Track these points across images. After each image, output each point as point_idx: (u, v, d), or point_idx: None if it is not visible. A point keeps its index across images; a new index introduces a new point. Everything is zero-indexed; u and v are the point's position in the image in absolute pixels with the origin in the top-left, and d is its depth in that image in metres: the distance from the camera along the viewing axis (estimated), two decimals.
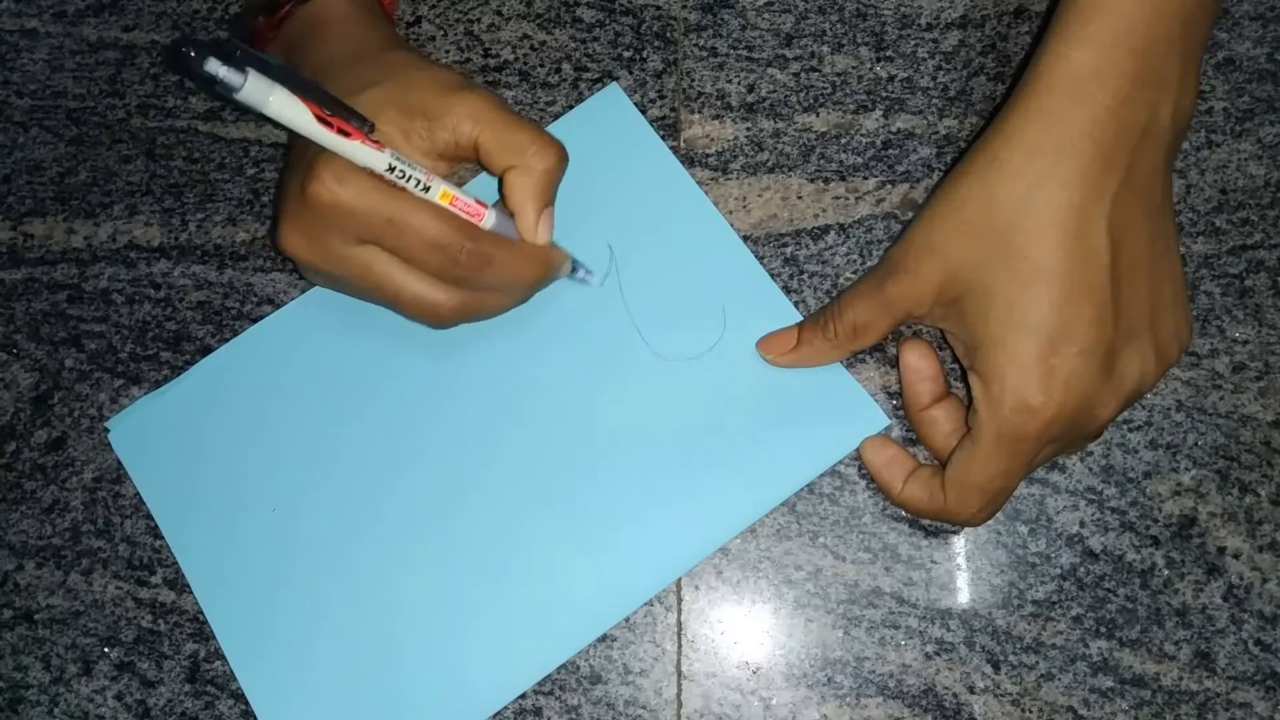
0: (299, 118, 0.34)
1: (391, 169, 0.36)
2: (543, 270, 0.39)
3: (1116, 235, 0.34)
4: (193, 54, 0.31)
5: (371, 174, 0.36)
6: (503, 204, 0.39)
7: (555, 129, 0.45)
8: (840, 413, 0.41)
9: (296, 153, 0.39)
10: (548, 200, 0.39)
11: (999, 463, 0.35)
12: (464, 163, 0.40)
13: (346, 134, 0.35)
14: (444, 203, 0.37)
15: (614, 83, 0.45)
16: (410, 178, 0.36)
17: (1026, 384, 0.34)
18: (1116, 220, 0.34)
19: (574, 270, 0.42)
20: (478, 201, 0.38)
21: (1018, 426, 0.34)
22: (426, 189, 0.37)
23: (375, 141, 0.36)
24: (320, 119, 0.34)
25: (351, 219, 0.36)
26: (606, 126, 0.45)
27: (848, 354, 0.40)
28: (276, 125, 0.34)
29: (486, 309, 0.39)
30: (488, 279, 0.38)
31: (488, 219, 0.38)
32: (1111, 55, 0.34)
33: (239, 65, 0.32)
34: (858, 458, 0.41)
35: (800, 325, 0.41)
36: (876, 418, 0.41)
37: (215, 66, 0.31)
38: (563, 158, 0.39)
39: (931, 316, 0.37)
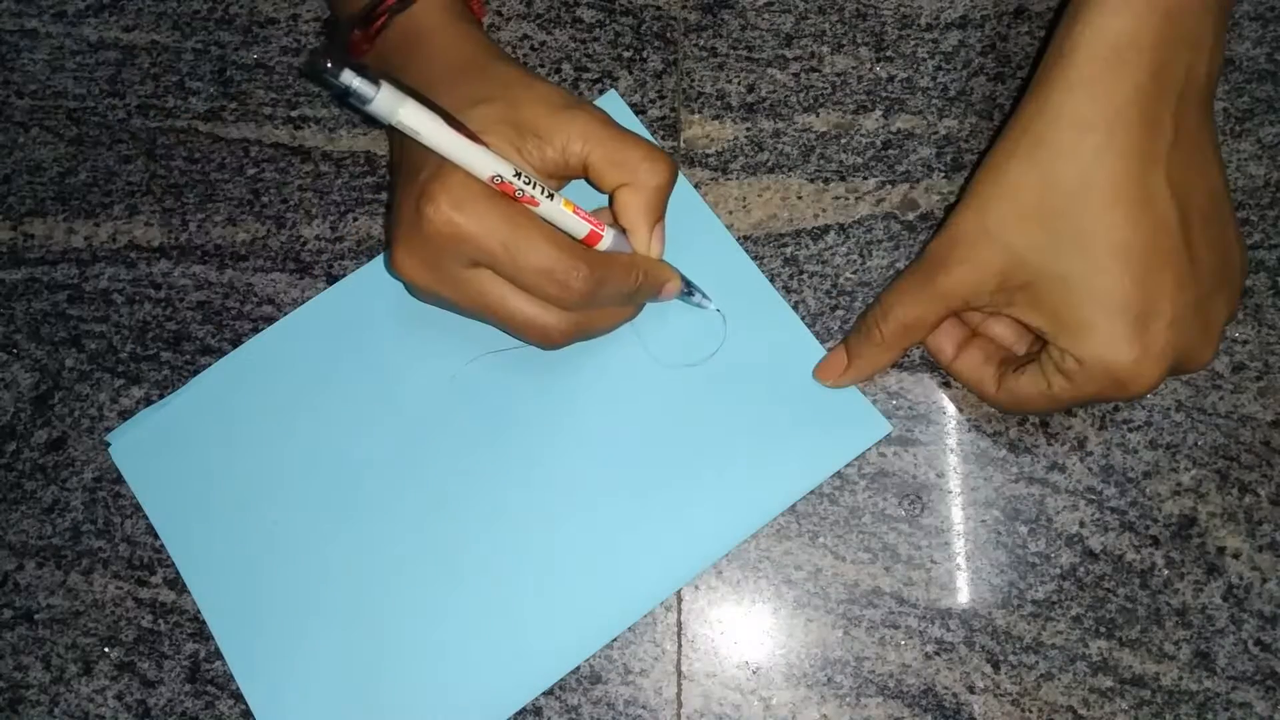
0: (431, 128, 0.34)
1: (518, 174, 0.35)
2: (654, 286, 0.40)
3: (1179, 196, 0.34)
4: (329, 65, 0.32)
5: (488, 198, 0.35)
6: (613, 219, 0.39)
7: None
8: (841, 419, 0.41)
9: (406, 174, 0.38)
10: (659, 216, 0.39)
11: (1086, 399, 0.37)
12: (571, 180, 0.40)
13: (472, 138, 0.34)
14: (568, 210, 0.37)
15: (613, 89, 0.45)
16: (535, 184, 0.36)
17: (1124, 365, 0.35)
18: (1175, 181, 0.34)
19: (689, 293, 0.42)
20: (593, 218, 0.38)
21: (1118, 394, 0.36)
22: (551, 195, 0.36)
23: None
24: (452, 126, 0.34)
25: (465, 243, 0.35)
26: None
27: (899, 354, 0.40)
28: (366, 134, 0.34)
29: (597, 328, 0.40)
30: (600, 300, 0.37)
31: (606, 239, 0.38)
32: (1147, 21, 0.34)
33: (372, 78, 0.33)
34: (856, 459, 0.41)
35: (845, 341, 0.41)
36: (878, 424, 0.41)
37: (350, 78, 0.32)
38: (673, 172, 0.38)
39: (993, 304, 0.37)
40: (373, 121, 0.34)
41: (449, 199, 0.35)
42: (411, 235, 0.36)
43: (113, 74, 0.48)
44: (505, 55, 0.41)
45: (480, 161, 0.35)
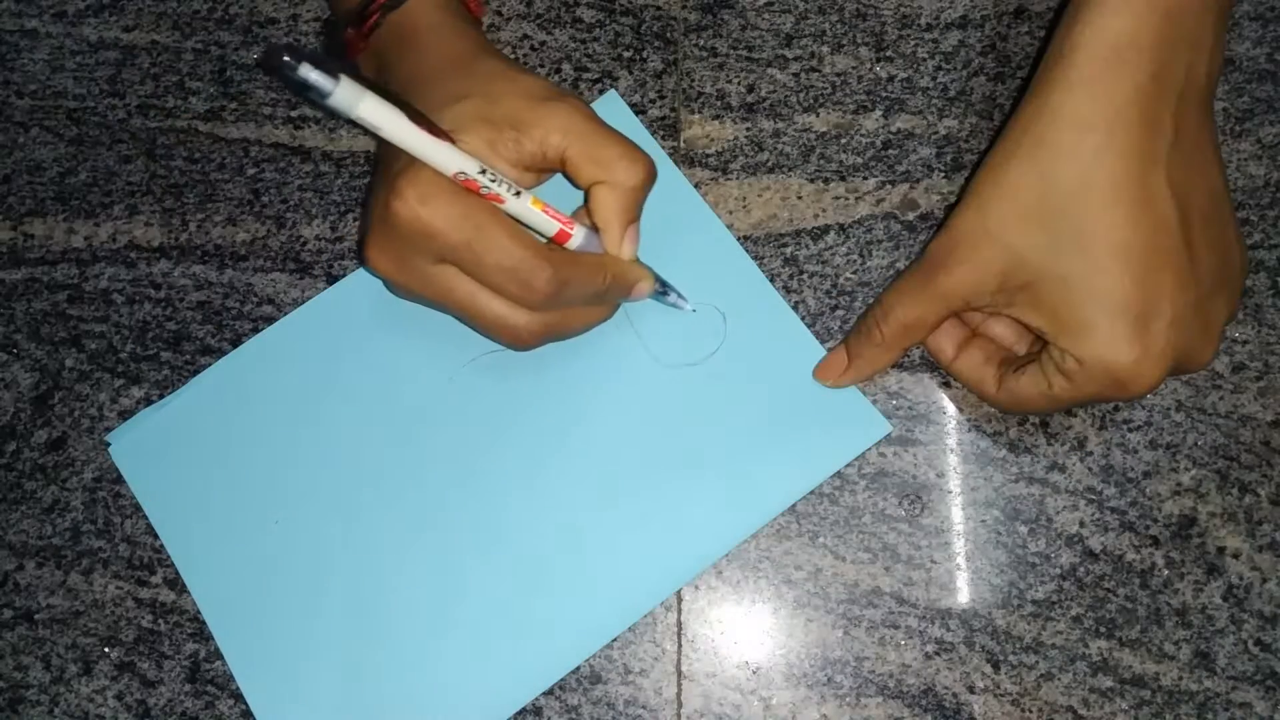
0: (392, 121, 0.33)
1: (484, 171, 0.35)
2: (624, 287, 0.39)
3: (1179, 196, 0.34)
4: (286, 59, 0.31)
5: (455, 194, 0.35)
6: (586, 216, 0.39)
7: None
8: (841, 419, 0.41)
9: (383, 169, 0.38)
10: (634, 216, 0.39)
11: (1087, 399, 0.37)
12: (550, 174, 0.40)
13: (435, 135, 0.34)
14: (536, 209, 0.36)
15: (613, 89, 0.45)
16: (501, 181, 0.36)
17: (1125, 365, 0.35)
18: (1175, 181, 0.34)
19: (664, 294, 0.41)
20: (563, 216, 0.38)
21: (1118, 394, 0.35)
22: (518, 193, 0.36)
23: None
24: (413, 121, 0.34)
25: (431, 239, 0.35)
26: None
27: (900, 355, 0.40)
28: (366, 133, 0.34)
29: (569, 329, 0.39)
30: (566, 300, 0.37)
31: (575, 238, 0.38)
32: (1148, 21, 0.34)
33: (331, 71, 0.32)
34: (856, 459, 0.41)
35: (845, 342, 0.41)
36: (878, 424, 0.41)
37: (308, 71, 0.32)
38: (651, 173, 0.38)
39: (994, 304, 0.37)
40: (341, 118, 0.34)
41: (416, 194, 0.35)
42: (381, 229, 0.36)
43: (113, 74, 0.48)
44: (494, 51, 0.40)
45: (443, 157, 0.35)
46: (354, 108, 0.33)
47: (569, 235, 0.38)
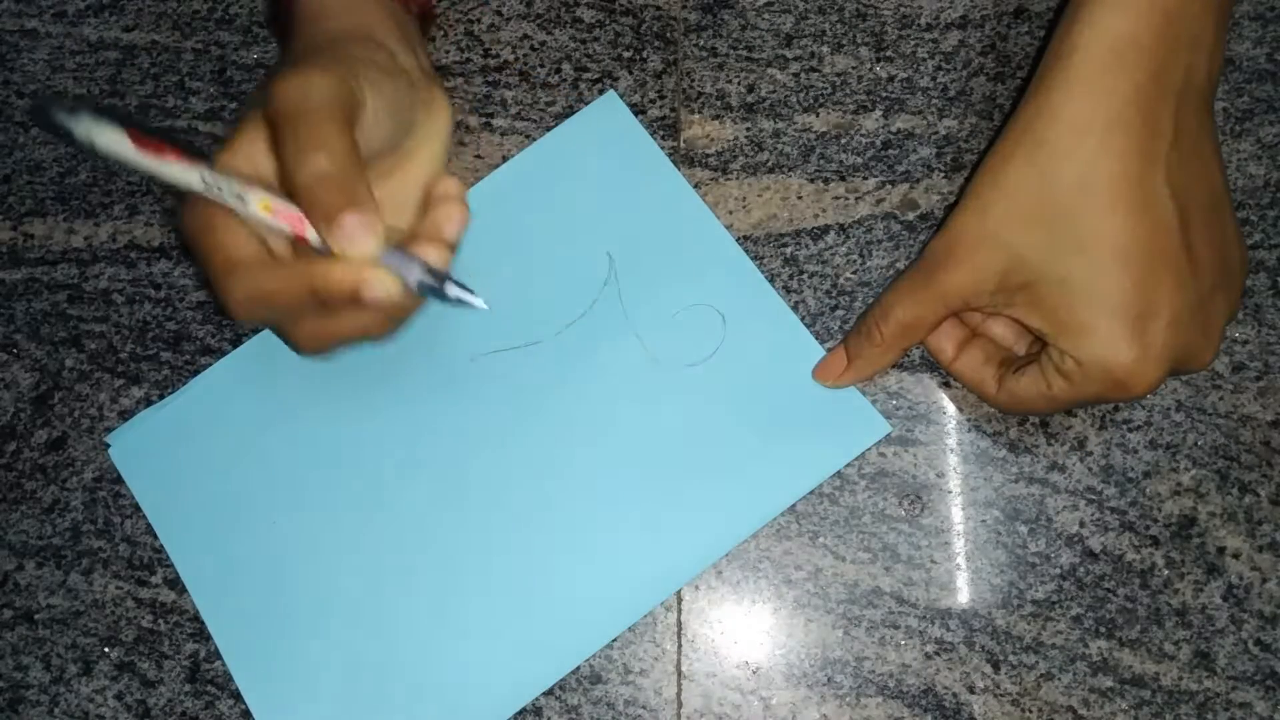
0: (119, 146, 0.34)
1: (205, 184, 0.34)
2: (341, 292, 0.32)
3: (1178, 197, 0.34)
4: (46, 108, 0.32)
5: (197, 200, 0.34)
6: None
7: (552, 137, 0.45)
8: (841, 419, 0.41)
9: None
10: (329, 212, 0.32)
11: (1087, 400, 0.37)
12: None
13: (160, 153, 0.34)
14: (263, 213, 0.34)
15: (611, 90, 0.45)
16: (223, 190, 0.34)
17: (1124, 366, 0.35)
18: (1174, 182, 0.34)
19: (440, 292, 0.34)
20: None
21: (1118, 395, 0.36)
22: (242, 199, 0.34)
23: (192, 157, 0.34)
24: (136, 141, 0.34)
25: (185, 238, 0.35)
26: (604, 134, 0.45)
27: (899, 356, 0.40)
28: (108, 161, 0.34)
29: (329, 338, 0.35)
30: (270, 313, 0.34)
31: (312, 235, 0.34)
32: (1148, 21, 0.34)
33: (73, 112, 0.33)
34: (856, 459, 0.41)
35: (844, 342, 0.41)
36: (878, 424, 0.41)
37: (61, 117, 0.32)
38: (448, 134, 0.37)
39: (993, 304, 0.37)
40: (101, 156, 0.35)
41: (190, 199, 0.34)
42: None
43: (113, 74, 0.48)
44: (370, 37, 0.38)
45: (166, 172, 0.34)
46: (93, 141, 0.33)
47: (303, 235, 0.34)
